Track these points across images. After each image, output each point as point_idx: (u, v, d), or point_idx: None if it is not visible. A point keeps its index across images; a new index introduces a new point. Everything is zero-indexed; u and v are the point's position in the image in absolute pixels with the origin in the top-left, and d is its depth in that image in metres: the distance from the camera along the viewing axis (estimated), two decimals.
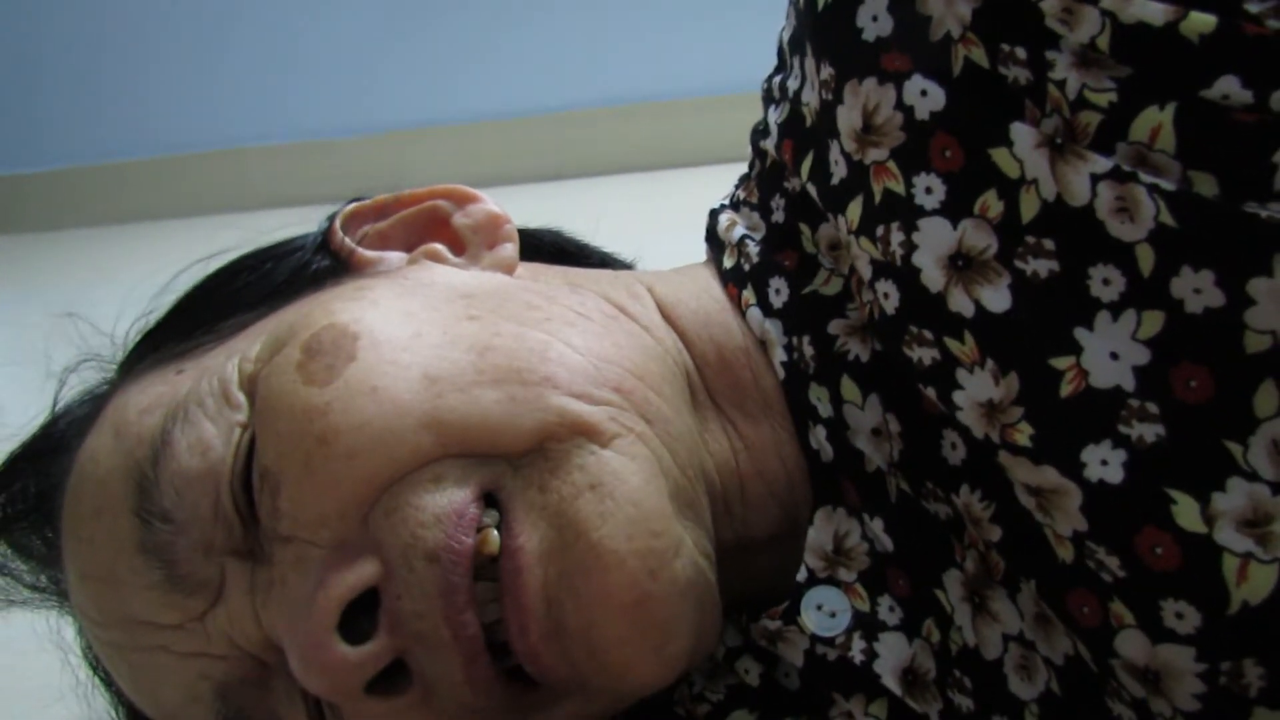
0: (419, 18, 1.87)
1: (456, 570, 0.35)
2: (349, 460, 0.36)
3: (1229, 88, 0.31)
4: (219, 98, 1.97)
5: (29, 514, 0.47)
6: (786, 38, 0.45)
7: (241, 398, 0.39)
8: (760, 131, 0.48)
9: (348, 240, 0.47)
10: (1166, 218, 0.32)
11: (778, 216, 0.46)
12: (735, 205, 0.49)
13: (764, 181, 0.47)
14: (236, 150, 1.96)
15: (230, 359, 0.40)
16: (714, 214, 0.49)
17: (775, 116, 0.45)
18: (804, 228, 0.44)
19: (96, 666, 0.47)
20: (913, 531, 0.41)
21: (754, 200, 0.48)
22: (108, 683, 0.47)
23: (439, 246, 0.46)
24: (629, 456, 0.37)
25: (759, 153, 0.48)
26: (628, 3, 1.84)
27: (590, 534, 0.35)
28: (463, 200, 0.47)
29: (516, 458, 0.37)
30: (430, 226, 0.47)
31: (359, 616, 0.35)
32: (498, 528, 0.36)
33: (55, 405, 0.49)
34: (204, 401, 0.39)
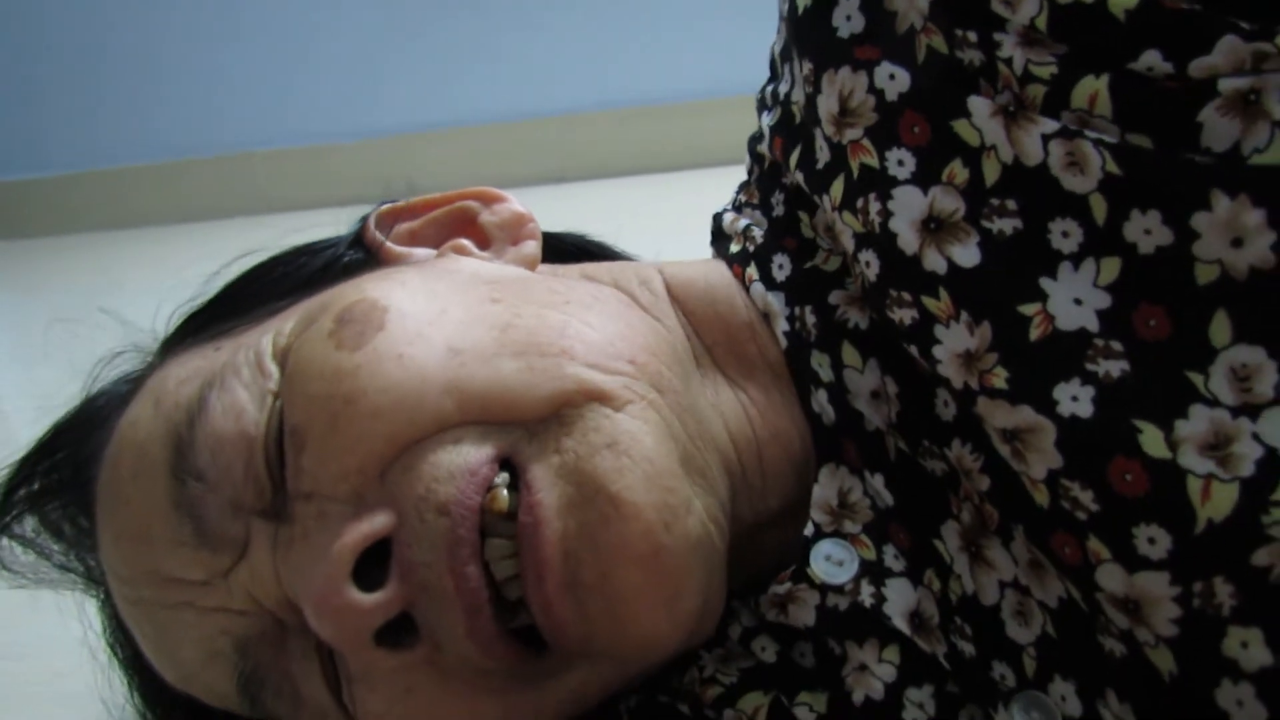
0: (424, 21, 1.87)
1: (464, 524, 0.36)
2: (373, 419, 0.37)
3: (1152, 60, 0.34)
4: (224, 102, 1.97)
5: (65, 487, 0.48)
6: (778, 49, 0.48)
7: (273, 368, 0.41)
8: (756, 138, 0.51)
9: (380, 236, 0.50)
10: (1112, 166, 0.35)
11: (778, 210, 0.49)
12: (738, 208, 0.52)
13: (763, 182, 0.50)
14: (242, 155, 1.97)
15: (265, 334, 0.43)
16: (717, 217, 0.52)
17: (768, 120, 0.49)
18: (803, 215, 0.47)
19: (114, 645, 0.49)
20: (911, 487, 0.43)
21: (755, 201, 0.51)
22: (122, 659, 0.49)
23: (465, 241, 0.49)
24: (642, 420, 0.38)
25: (756, 157, 0.51)
26: (632, 5, 1.84)
27: (609, 486, 0.36)
28: (490, 200, 0.50)
29: (533, 425, 0.38)
30: (459, 225, 0.50)
31: (373, 570, 0.37)
32: (509, 489, 0.37)
33: (80, 403, 0.51)
34: (240, 370, 0.41)
